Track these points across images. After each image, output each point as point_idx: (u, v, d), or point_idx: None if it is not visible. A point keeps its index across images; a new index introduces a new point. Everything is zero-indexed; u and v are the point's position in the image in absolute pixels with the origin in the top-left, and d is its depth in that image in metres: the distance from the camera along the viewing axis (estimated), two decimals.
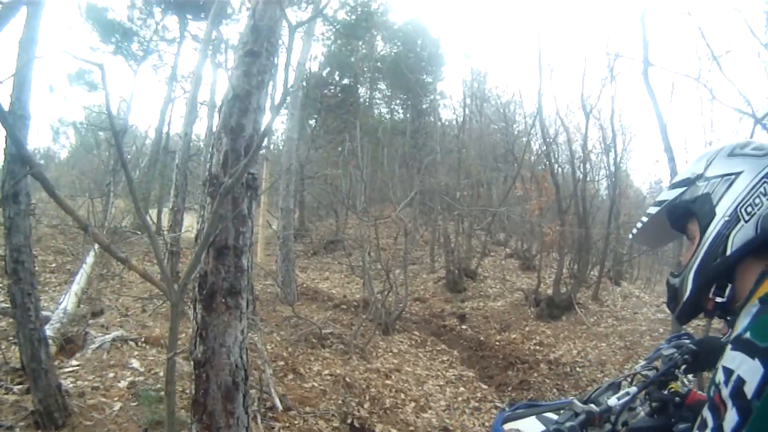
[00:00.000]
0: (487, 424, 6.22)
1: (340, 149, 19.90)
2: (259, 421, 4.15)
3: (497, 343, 10.34)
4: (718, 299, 1.32)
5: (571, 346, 10.16)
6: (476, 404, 6.94)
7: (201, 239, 2.74)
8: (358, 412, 5.43)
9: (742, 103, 8.32)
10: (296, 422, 4.48)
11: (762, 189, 1.23)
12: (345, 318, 9.37)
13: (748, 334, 1.04)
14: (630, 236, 1.62)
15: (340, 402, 5.41)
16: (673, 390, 2.70)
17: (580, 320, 11.51)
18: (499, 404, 7.04)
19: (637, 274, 18.61)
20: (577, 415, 1.96)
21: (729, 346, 1.08)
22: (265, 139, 3.30)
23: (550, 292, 12.56)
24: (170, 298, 2.29)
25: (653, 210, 1.46)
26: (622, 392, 2.14)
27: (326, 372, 6.13)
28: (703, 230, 1.29)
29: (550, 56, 40.70)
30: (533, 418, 2.46)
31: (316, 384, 5.67)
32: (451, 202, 15.00)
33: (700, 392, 2.73)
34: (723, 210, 1.26)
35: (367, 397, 5.87)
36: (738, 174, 1.27)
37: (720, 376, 1.04)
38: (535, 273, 13.86)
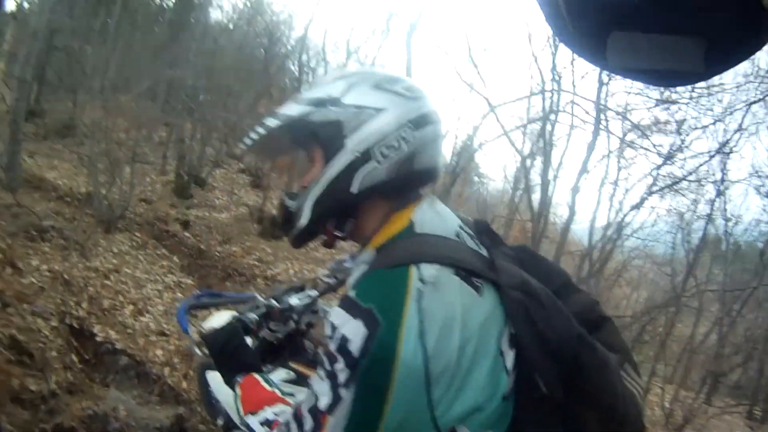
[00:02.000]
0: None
1: (97, 25, 17.68)
2: None
3: (218, 253, 10.76)
4: (337, 233, 1.27)
5: (289, 266, 11.04)
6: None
7: None
8: (77, 312, 5.44)
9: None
10: (14, 320, 4.40)
11: (403, 133, 1.16)
12: (68, 211, 8.82)
13: (353, 293, 1.06)
14: (242, 145, 1.42)
15: (58, 300, 5.35)
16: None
17: None
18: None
19: None
20: (258, 308, 2.04)
21: (336, 302, 1.10)
22: None
23: (275, 212, 13.10)
24: None
25: (273, 123, 1.27)
26: (303, 294, 2.26)
27: (45, 267, 5.94)
28: (327, 159, 1.20)
29: None
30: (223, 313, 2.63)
31: (34, 280, 5.50)
32: (192, 104, 14.54)
33: None
34: (354, 144, 1.16)
35: (86, 297, 5.87)
36: (380, 110, 1.17)
37: (328, 329, 1.06)
38: (263, 192, 14.35)
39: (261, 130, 1.29)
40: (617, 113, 9.58)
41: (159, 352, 5.63)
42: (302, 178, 1.32)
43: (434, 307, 1.02)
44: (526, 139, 13.49)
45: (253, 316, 1.97)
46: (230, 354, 1.60)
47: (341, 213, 1.26)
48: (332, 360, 1.03)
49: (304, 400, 1.09)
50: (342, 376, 1.01)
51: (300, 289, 2.29)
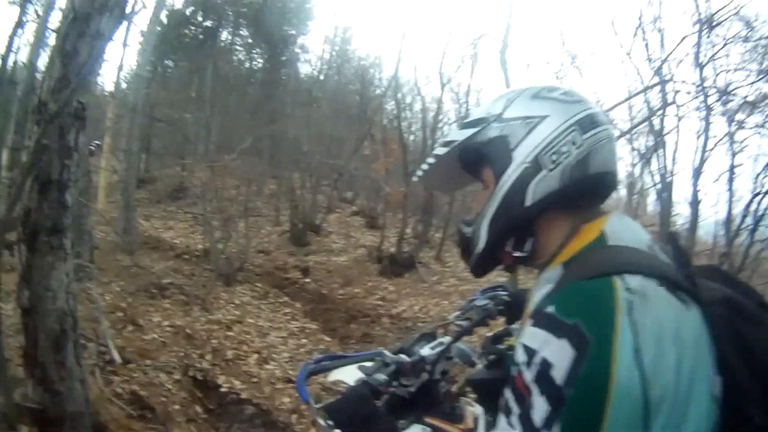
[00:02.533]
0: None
1: (192, 94, 18.95)
2: (97, 374, 3.97)
3: (340, 297, 10.63)
4: (517, 254, 1.18)
5: (413, 302, 10.66)
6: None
7: (25, 170, 2.56)
8: (200, 364, 5.40)
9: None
10: (136, 375, 4.35)
11: (570, 137, 1.10)
12: (187, 268, 9.09)
13: (551, 309, 0.91)
14: (415, 177, 1.43)
15: (181, 354, 5.33)
16: (508, 344, 2.94)
17: (422, 278, 12.13)
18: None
19: None
20: (387, 366, 1.86)
21: (529, 322, 0.96)
22: (99, 68, 3.06)
23: (393, 250, 13.05)
24: None
25: (441, 151, 1.25)
26: (435, 342, 2.11)
27: (166, 323, 6.00)
28: (498, 177, 1.14)
29: (415, 27, 41.31)
30: (352, 368, 2.47)
31: (156, 336, 5.54)
32: (297, 155, 14.92)
33: None
34: (522, 155, 1.12)
35: (209, 349, 5.84)
36: (542, 118, 1.12)
37: (520, 356, 0.91)
38: (379, 231, 14.27)
39: (430, 160, 1.29)
40: (722, 93, 8.43)
41: (286, 399, 5.41)
42: (476, 203, 1.30)
43: (646, 320, 0.86)
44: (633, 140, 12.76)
45: (381, 377, 1.78)
46: (362, 423, 1.49)
47: (519, 232, 1.18)
48: (524, 396, 0.87)
49: None
50: (539, 415, 0.84)
51: (431, 336, 2.17)
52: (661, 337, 0.86)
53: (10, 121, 9.78)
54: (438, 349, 2.01)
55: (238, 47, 26.84)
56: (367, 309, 10.04)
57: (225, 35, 25.24)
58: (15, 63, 15.51)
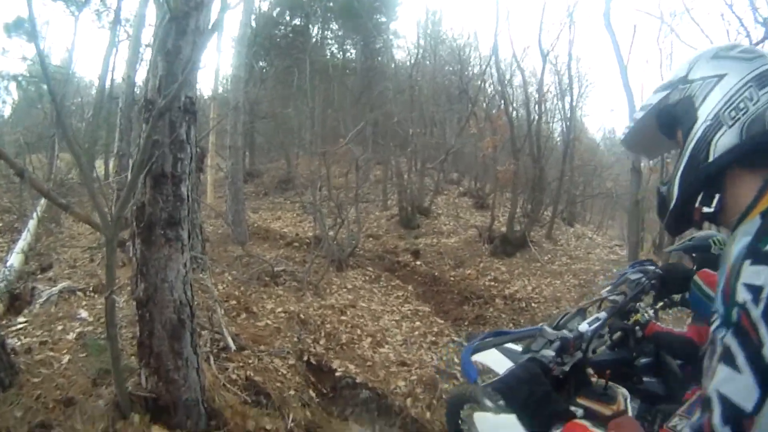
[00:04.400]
0: (445, 357, 6.32)
1: (291, 88, 19.51)
2: (212, 362, 4.13)
3: (452, 278, 10.54)
4: (705, 209, 1.23)
5: (526, 283, 10.43)
6: (433, 338, 7.04)
7: (135, 166, 2.64)
8: (314, 348, 5.50)
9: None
10: (251, 361, 4.49)
11: (747, 93, 1.14)
12: (297, 255, 9.36)
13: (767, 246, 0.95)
14: (621, 139, 1.55)
15: (295, 339, 5.45)
16: (635, 320, 2.77)
17: (534, 257, 11.82)
18: (456, 338, 7.15)
19: (590, 217, 19.12)
20: (551, 342, 1.88)
21: (748, 262, 0.97)
22: (200, 64, 3.10)
23: (503, 230, 12.76)
24: (104, 233, 2.23)
25: (639, 114, 1.38)
26: (591, 318, 2.15)
27: (280, 310, 6.15)
28: (686, 135, 1.23)
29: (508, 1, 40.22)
30: (496, 350, 2.42)
31: (269, 322, 5.69)
32: (402, 140, 14.92)
33: (658, 324, 2.82)
34: (705, 113, 1.19)
35: (323, 334, 5.94)
36: (722, 76, 1.18)
37: (743, 296, 0.93)
38: (488, 212, 14.02)
39: (630, 124, 1.41)
40: None
41: (401, 383, 5.40)
42: (672, 163, 1.36)
43: None
44: None
45: (549, 353, 1.80)
46: (538, 404, 1.54)
47: (707, 187, 1.22)
48: (750, 336, 0.89)
49: (707, 412, 0.95)
50: None
51: (584, 312, 2.25)
52: None
53: (114, 132, 10.62)
54: (595, 325, 2.04)
55: (329, 40, 27.31)
56: (480, 290, 9.90)
57: (315, 30, 25.80)
58: (113, 80, 16.90)
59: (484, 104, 16.94)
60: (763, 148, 1.13)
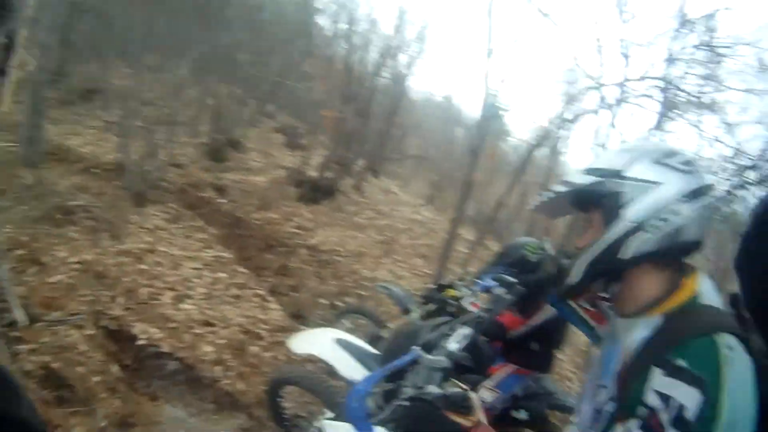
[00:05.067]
0: (248, 314, 6.02)
1: None
2: (2, 343, 3.31)
3: (256, 221, 10.04)
4: (602, 294, 1.41)
5: (330, 233, 10.38)
6: (237, 291, 6.63)
7: None
8: (113, 310, 4.78)
9: None
10: (45, 340, 3.69)
11: (676, 207, 1.23)
12: (95, 185, 8.07)
13: (683, 363, 1.09)
14: (532, 207, 1.62)
15: (91, 299, 4.68)
16: (450, 295, 3.05)
17: (340, 207, 11.85)
18: (260, 291, 6.87)
19: (399, 171, 19.67)
20: (433, 372, 2.01)
21: (659, 371, 1.12)
22: None
23: (313, 174, 12.53)
24: None
25: (561, 189, 1.42)
26: (458, 335, 2.23)
27: (74, 259, 5.23)
28: (605, 226, 1.30)
29: None
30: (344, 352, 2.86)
31: (62, 276, 4.80)
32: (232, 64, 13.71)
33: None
34: (630, 215, 1.26)
35: (121, 290, 5.20)
36: (657, 185, 1.26)
37: (654, 401, 1.09)
38: (301, 152, 13.68)
39: (550, 194, 1.47)
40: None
41: (208, 348, 5.00)
42: (579, 239, 1.43)
43: (737, 372, 1.06)
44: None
45: (435, 390, 1.83)
46: None
47: (608, 276, 1.38)
48: None
49: None
50: None
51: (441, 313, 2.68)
52: (746, 388, 1.07)
53: None
54: (464, 343, 2.16)
55: None
56: (284, 237, 9.58)
57: None
58: None
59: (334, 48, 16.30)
60: (671, 254, 1.29)
